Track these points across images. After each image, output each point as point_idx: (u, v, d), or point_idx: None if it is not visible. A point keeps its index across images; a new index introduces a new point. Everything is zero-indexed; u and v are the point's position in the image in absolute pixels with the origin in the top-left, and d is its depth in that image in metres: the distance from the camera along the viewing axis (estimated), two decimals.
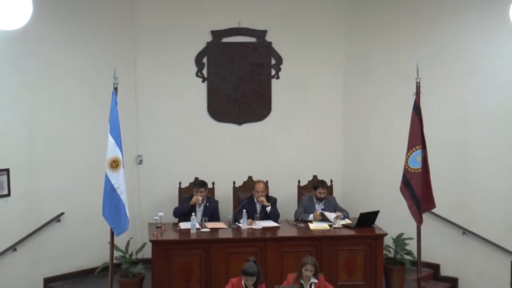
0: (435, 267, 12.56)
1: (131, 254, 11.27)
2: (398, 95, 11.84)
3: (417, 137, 10.67)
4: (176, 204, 12.20)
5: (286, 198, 12.57)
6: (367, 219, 11.48)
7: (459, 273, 12.47)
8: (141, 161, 12.83)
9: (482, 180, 12.05)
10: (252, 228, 11.44)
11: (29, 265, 11.65)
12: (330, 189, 12.54)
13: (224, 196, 12.58)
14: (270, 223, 11.67)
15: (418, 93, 10.64)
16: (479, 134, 12.04)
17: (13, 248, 11.40)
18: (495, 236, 11.97)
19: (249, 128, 13.17)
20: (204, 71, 12.98)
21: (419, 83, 10.60)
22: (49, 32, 11.24)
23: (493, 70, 11.80)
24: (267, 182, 12.33)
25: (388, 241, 11.59)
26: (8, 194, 11.35)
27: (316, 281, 9.89)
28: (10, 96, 11.27)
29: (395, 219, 11.53)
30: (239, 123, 13.16)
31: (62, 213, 11.92)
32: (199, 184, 12.03)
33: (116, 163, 9.77)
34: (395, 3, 12.67)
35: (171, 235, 11.23)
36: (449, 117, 12.06)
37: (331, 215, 11.67)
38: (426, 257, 11.37)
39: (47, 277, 11.92)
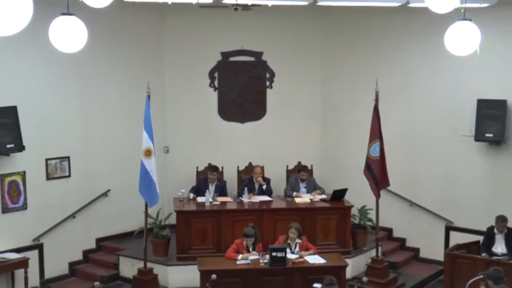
0: (389, 230, 12.69)
1: (161, 221, 11.31)
2: (362, 101, 11.85)
3: (376, 132, 10.74)
4: (194, 184, 12.20)
5: (277, 178, 12.58)
6: (339, 194, 11.55)
7: (407, 234, 12.63)
8: (168, 150, 12.87)
9: (424, 164, 12.19)
10: (251, 202, 11.52)
11: (85, 228, 11.78)
12: (310, 172, 12.57)
13: (230, 177, 12.62)
14: (265, 198, 11.71)
15: (377, 99, 10.72)
16: (422, 130, 12.15)
17: (73, 215, 11.55)
18: (434, 207, 12.16)
19: (249, 125, 13.21)
20: (215, 83, 13.02)
21: (377, 92, 10.68)
22: (99, 54, 11.27)
23: (432, 82, 11.91)
24: (263, 166, 12.36)
25: (354, 211, 11.64)
26: (69, 176, 11.47)
27: (299, 241, 9.98)
28: (71, 103, 11.41)
29: (359, 195, 11.50)
30: (242, 122, 13.21)
31: (109, 190, 12.02)
32: (212, 168, 12.08)
33: (149, 152, 9.87)
34: (359, 34, 12.75)
35: (191, 207, 11.29)
36: (400, 117, 12.14)
37: (306, 196, 11.81)
38: (382, 223, 11.41)
39: (98, 237, 12.11)
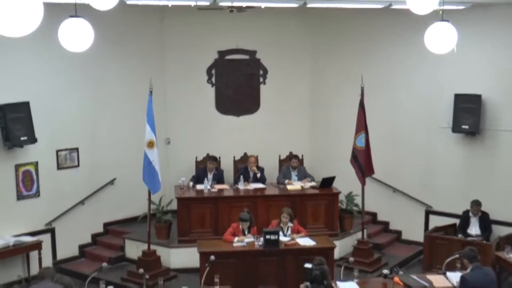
0: (374, 215, 12.72)
1: (163, 207, 11.33)
2: (349, 95, 11.84)
3: (361, 125, 10.77)
4: (193, 172, 12.22)
5: (271, 167, 12.57)
6: (327, 182, 11.57)
7: (390, 218, 12.69)
8: (169, 142, 12.83)
9: (406, 154, 12.21)
10: (247, 189, 11.54)
11: (93, 214, 11.79)
12: (301, 161, 12.60)
13: (227, 166, 12.62)
14: (259, 185, 11.72)
15: (362, 94, 10.75)
16: (404, 122, 12.18)
17: (82, 202, 11.56)
18: (414, 193, 12.20)
19: (244, 119, 13.19)
20: (213, 79, 13.00)
21: (363, 88, 10.71)
22: (105, 53, 11.22)
23: (413, 78, 11.96)
24: (257, 156, 12.35)
25: (341, 197, 11.68)
26: (78, 165, 11.48)
27: (291, 225, 10.00)
28: (79, 98, 11.40)
29: (346, 182, 11.52)
30: (237, 115, 13.19)
31: (115, 178, 12.01)
32: (211, 158, 12.10)
33: (151, 144, 9.86)
34: (346, 34, 12.76)
35: (190, 194, 11.29)
36: (383, 111, 12.15)
37: (297, 183, 11.82)
38: (367, 207, 11.44)
39: (105, 222, 12.14)
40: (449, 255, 9.04)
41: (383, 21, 12.06)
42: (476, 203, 10.92)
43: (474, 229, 10.95)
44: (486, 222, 10.92)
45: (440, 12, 7.62)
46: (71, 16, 7.09)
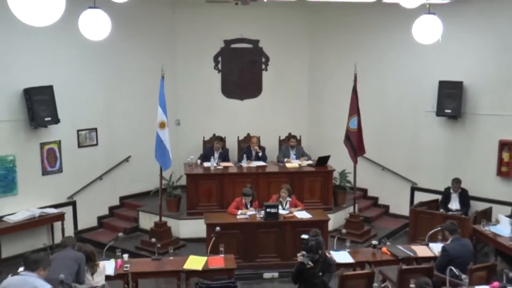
0: (364, 191, 12.72)
1: (173, 182, 11.35)
2: (343, 81, 11.77)
3: (354, 108, 10.71)
4: (201, 151, 12.21)
5: (271, 147, 12.54)
6: (323, 160, 11.55)
7: (379, 194, 12.71)
8: (179, 123, 12.83)
9: (394, 135, 12.20)
10: (249, 166, 11.51)
11: (110, 188, 11.83)
12: (299, 141, 12.58)
13: (232, 146, 12.59)
14: (261, 163, 11.71)
15: (355, 81, 10.66)
16: (393, 106, 12.17)
17: (100, 177, 11.60)
18: (401, 171, 12.22)
19: (247, 102, 13.16)
20: (219, 66, 12.96)
21: (356, 74, 10.61)
22: (121, 41, 11.17)
23: (402, 66, 11.90)
24: (259, 137, 12.35)
25: (335, 174, 11.67)
26: (96, 144, 11.50)
27: (289, 199, 10.03)
28: (98, 82, 11.40)
29: (340, 161, 11.51)
30: (241, 99, 13.15)
31: (130, 156, 12.03)
32: (217, 138, 12.10)
33: (163, 124, 9.83)
34: (341, 25, 12.67)
35: (198, 170, 11.27)
36: (374, 96, 12.11)
37: (295, 162, 11.81)
38: (359, 184, 11.40)
39: (121, 196, 12.18)
40: (432, 228, 9.09)
41: (375, 13, 11.99)
42: (456, 181, 10.94)
43: (454, 204, 10.97)
44: (465, 198, 10.95)
45: (427, 5, 7.61)
46: (90, 7, 7.07)
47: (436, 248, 8.51)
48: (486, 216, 10.59)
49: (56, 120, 10.36)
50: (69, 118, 10.76)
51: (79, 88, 11.02)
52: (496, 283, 7.37)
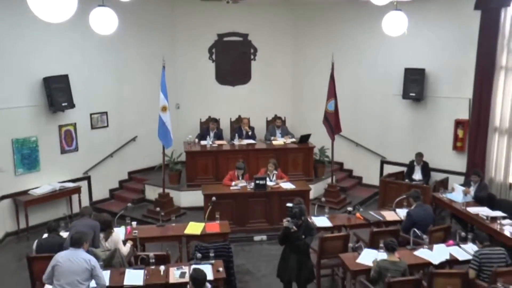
0: (341, 164, 12.74)
1: (174, 159, 11.33)
2: (322, 69, 11.67)
3: (332, 93, 10.69)
4: (198, 131, 12.21)
5: (259, 127, 12.53)
6: (304, 138, 11.53)
7: (353, 167, 12.74)
8: (178, 106, 12.73)
9: (366, 116, 12.21)
10: (241, 144, 11.49)
11: (119, 164, 11.79)
12: (284, 121, 12.55)
13: (225, 126, 12.56)
14: (251, 141, 11.68)
15: (332, 68, 10.62)
16: (365, 90, 12.15)
17: (111, 155, 11.56)
18: (373, 146, 12.26)
19: (238, 88, 13.06)
20: (213, 56, 12.84)
21: (333, 63, 10.58)
22: (127, 35, 11.02)
23: (373, 55, 11.88)
24: (249, 118, 12.28)
25: (315, 150, 11.65)
26: (107, 126, 11.44)
27: (276, 172, 10.04)
28: (107, 71, 11.29)
29: (319, 138, 11.50)
30: (233, 85, 13.05)
31: (136, 136, 11.96)
32: (212, 119, 12.07)
33: (165, 108, 9.77)
34: (321, 20, 12.56)
35: (196, 148, 11.25)
36: (349, 81, 12.03)
37: (281, 139, 11.77)
38: (336, 158, 11.46)
39: (129, 171, 12.14)
40: (398, 196, 9.19)
41: (350, 10, 11.94)
42: (419, 155, 11.00)
43: (417, 175, 11.03)
44: (426, 170, 11.01)
45: (395, 3, 7.62)
46: (99, 5, 7.00)
47: (401, 213, 8.59)
48: (443, 185, 10.70)
49: (71, 105, 10.29)
50: (83, 103, 10.69)
51: (91, 77, 10.92)
52: (451, 242, 7.51)
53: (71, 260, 5.77)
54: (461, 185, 9.78)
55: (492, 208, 8.91)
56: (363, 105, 12.21)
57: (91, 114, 11.09)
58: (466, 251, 7.17)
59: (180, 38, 12.58)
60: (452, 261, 7.03)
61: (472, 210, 8.86)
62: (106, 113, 11.38)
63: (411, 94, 11.22)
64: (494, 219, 8.38)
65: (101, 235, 7.04)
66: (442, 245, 7.38)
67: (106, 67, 11.26)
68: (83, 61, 10.74)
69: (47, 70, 10.00)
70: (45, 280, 5.91)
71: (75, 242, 5.91)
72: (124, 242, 7.26)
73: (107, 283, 6.25)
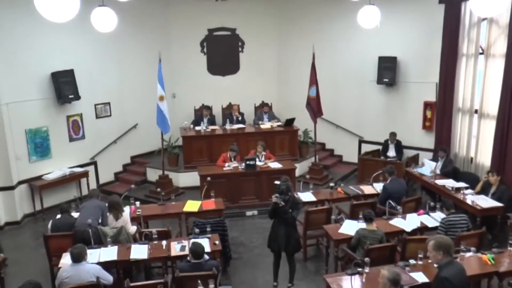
0: (323, 144, 12.69)
1: (172, 143, 11.27)
2: (304, 59, 11.54)
3: (313, 80, 10.63)
4: (193, 118, 12.13)
5: (249, 112, 12.49)
6: (290, 122, 11.52)
7: (334, 146, 12.72)
8: (174, 96, 12.62)
9: (345, 100, 12.18)
10: (232, 128, 11.43)
11: (123, 150, 11.71)
12: (270, 107, 12.51)
13: (217, 113, 12.49)
14: (241, 126, 11.62)
15: (313, 58, 10.56)
16: (343, 77, 12.11)
17: (114, 141, 11.49)
18: (351, 127, 12.26)
19: (228, 77, 12.95)
20: (205, 49, 12.71)
21: (314, 53, 10.52)
22: (126, 31, 10.84)
23: (350, 45, 11.82)
24: (239, 105, 12.24)
25: (300, 132, 11.66)
26: (110, 115, 11.34)
27: (264, 153, 10.07)
28: (109, 65, 11.16)
29: (303, 122, 11.50)
30: (223, 75, 12.94)
31: (137, 124, 11.86)
32: (205, 107, 12.00)
33: (162, 98, 9.68)
34: (303, 14, 12.44)
35: (191, 133, 11.20)
36: (329, 69, 11.94)
37: (268, 123, 11.71)
38: (318, 139, 11.41)
39: (132, 155, 12.06)
40: (375, 171, 9.23)
41: (329, 4, 11.87)
42: (392, 134, 11.07)
43: (391, 152, 11.11)
44: (399, 147, 11.08)
45: None
46: (100, 6, 6.92)
47: (378, 187, 8.67)
48: (414, 160, 10.80)
49: (77, 97, 10.21)
50: (88, 95, 10.59)
51: (94, 71, 10.81)
52: (421, 211, 7.60)
53: (76, 275, 5.61)
54: (430, 160, 9.92)
55: (457, 180, 9.04)
56: (342, 91, 12.19)
57: (95, 105, 10.99)
58: (434, 219, 7.27)
59: (174, 33, 12.44)
60: (423, 228, 7.13)
61: (440, 182, 8.98)
62: (109, 103, 11.27)
63: (384, 80, 11.24)
64: (458, 189, 8.52)
65: (110, 216, 7.04)
66: (414, 214, 7.48)
67: (108, 61, 11.13)
68: (86, 56, 10.62)
69: (55, 65, 9.90)
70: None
71: (76, 258, 5.68)
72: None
73: (115, 258, 6.29)
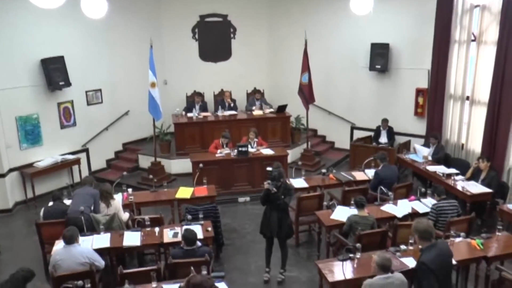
0: (315, 131, 12.76)
1: (164, 130, 11.30)
2: (296, 45, 11.59)
3: (305, 66, 10.68)
4: (185, 104, 12.12)
5: (241, 99, 12.49)
6: (282, 108, 11.54)
7: (326, 133, 12.80)
8: (166, 82, 12.56)
9: (337, 87, 12.21)
10: (224, 115, 11.45)
11: (114, 137, 11.70)
12: (262, 93, 12.49)
13: (209, 99, 12.48)
14: (233, 112, 11.63)
15: (306, 45, 10.60)
16: (336, 64, 12.12)
17: (106, 128, 11.46)
18: (343, 114, 12.30)
19: (220, 64, 12.92)
20: (196, 36, 12.65)
21: (306, 40, 10.56)
22: (118, 18, 10.85)
23: (342, 32, 11.83)
24: (231, 91, 12.23)
25: (292, 119, 11.70)
26: (102, 102, 11.29)
27: (256, 140, 10.10)
28: (101, 52, 11.08)
29: (295, 108, 11.54)
30: (215, 61, 12.91)
31: (129, 110, 11.83)
32: (197, 93, 12.01)
33: (153, 84, 9.66)
34: (294, 1, 12.55)
35: (183, 120, 11.21)
36: (321, 56, 11.94)
37: (260, 110, 11.75)
38: (310, 126, 11.51)
39: (124, 142, 12.05)
40: (367, 158, 9.30)
41: None
42: (384, 120, 11.12)
43: (383, 138, 11.17)
44: (391, 134, 11.14)
45: None
46: None
47: (370, 173, 8.73)
48: (406, 147, 10.88)
49: (68, 84, 10.15)
50: (79, 81, 10.53)
51: (85, 57, 10.74)
52: (412, 197, 7.69)
53: (69, 258, 5.66)
54: (421, 145, 10.03)
55: (448, 166, 9.14)
56: (334, 77, 12.21)
57: (86, 92, 10.93)
58: (425, 204, 7.35)
59: (165, 20, 12.36)
60: (414, 214, 7.18)
61: (431, 168, 9.07)
62: (100, 90, 11.22)
63: (376, 66, 11.26)
64: (449, 175, 8.60)
65: (102, 204, 7.07)
66: (405, 200, 7.56)
67: (98, 48, 11.05)
68: (77, 43, 10.53)
69: (44, 52, 9.82)
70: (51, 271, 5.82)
71: (69, 240, 5.73)
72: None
73: (108, 245, 6.33)
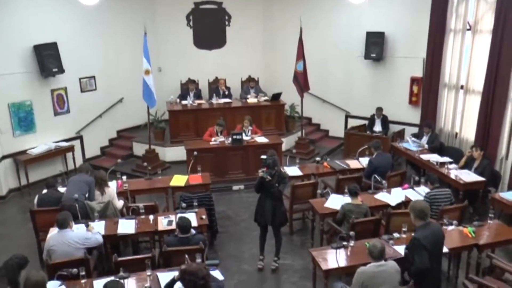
0: (309, 119, 12.82)
1: (158, 117, 11.28)
2: (291, 33, 11.54)
3: (300, 54, 10.62)
4: (179, 92, 12.10)
5: (235, 87, 12.46)
6: (276, 96, 11.54)
7: (321, 121, 12.85)
8: (160, 69, 12.54)
9: (332, 75, 12.23)
10: (218, 103, 11.45)
11: (108, 124, 11.69)
12: (257, 81, 12.50)
13: (203, 87, 12.47)
14: (227, 100, 11.65)
15: (301, 32, 10.53)
16: (331, 52, 12.13)
17: (100, 116, 11.44)
18: (338, 102, 12.34)
19: (215, 51, 12.90)
20: (191, 23, 12.61)
21: (301, 27, 10.48)
22: (109, 4, 10.81)
23: (338, 20, 11.81)
24: (225, 79, 12.22)
25: (286, 107, 11.71)
26: (95, 89, 11.25)
27: (251, 128, 10.11)
28: (94, 38, 11.03)
29: (290, 96, 11.54)
30: (210, 49, 12.89)
31: (123, 98, 11.81)
32: (191, 81, 11.99)
33: (148, 72, 9.59)
34: None
35: (178, 107, 11.20)
36: (316, 44, 11.93)
37: (254, 98, 11.74)
38: (305, 114, 11.45)
39: (118, 129, 12.05)
40: (361, 146, 9.32)
41: None
42: (379, 109, 11.15)
43: (377, 127, 11.22)
44: (385, 122, 11.19)
45: None
46: None
47: (364, 161, 8.78)
48: (400, 135, 10.94)
49: (62, 71, 10.09)
50: (72, 68, 10.47)
51: (79, 43, 10.67)
52: (406, 185, 7.73)
53: (63, 242, 5.68)
54: (415, 135, 10.08)
55: (441, 154, 9.20)
56: (329, 65, 12.21)
57: (80, 79, 10.89)
58: (418, 193, 7.39)
59: (159, 6, 12.29)
60: (407, 202, 7.14)
61: (424, 156, 9.13)
62: (94, 77, 11.17)
63: (372, 55, 11.27)
64: (442, 164, 8.66)
65: (97, 191, 7.08)
66: (398, 189, 7.60)
67: (92, 34, 10.99)
68: (70, 29, 10.46)
69: (37, 38, 9.75)
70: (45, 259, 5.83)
71: (61, 224, 5.75)
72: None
73: (103, 233, 6.34)
